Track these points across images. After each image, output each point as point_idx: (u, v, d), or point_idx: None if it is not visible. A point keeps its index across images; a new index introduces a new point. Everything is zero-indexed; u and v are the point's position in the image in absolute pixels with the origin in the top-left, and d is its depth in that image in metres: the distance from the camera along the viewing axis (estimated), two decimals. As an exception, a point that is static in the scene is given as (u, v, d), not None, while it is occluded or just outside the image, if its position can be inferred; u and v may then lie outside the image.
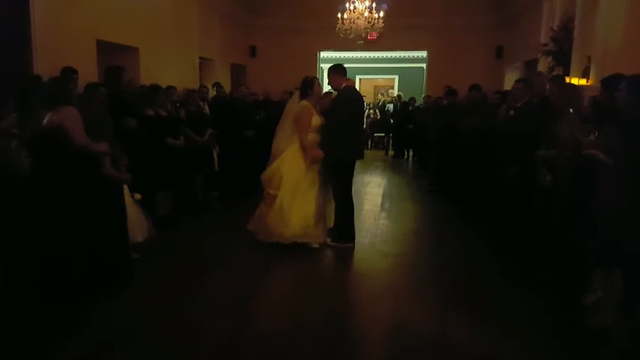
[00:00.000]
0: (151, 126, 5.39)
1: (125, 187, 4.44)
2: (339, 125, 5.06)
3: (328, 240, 5.21)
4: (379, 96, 16.67)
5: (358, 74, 17.50)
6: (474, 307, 3.84)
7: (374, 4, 10.29)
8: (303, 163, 5.12)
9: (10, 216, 3.09)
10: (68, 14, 5.88)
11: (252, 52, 13.25)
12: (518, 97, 5.33)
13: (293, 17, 12.57)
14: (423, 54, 13.90)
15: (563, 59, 6.96)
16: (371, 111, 15.35)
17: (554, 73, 6.88)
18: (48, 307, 3.27)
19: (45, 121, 3.61)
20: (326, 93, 6.80)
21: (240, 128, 7.43)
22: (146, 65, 7.57)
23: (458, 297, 4.03)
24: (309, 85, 5.20)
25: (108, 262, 3.86)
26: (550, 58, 7.23)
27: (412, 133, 12.09)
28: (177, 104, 6.58)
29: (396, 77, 18.16)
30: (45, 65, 5.32)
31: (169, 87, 6.52)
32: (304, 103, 5.14)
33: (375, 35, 11.57)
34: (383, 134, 15.08)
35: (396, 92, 15.98)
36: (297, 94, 5.33)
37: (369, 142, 15.33)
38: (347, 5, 10.28)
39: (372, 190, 8.64)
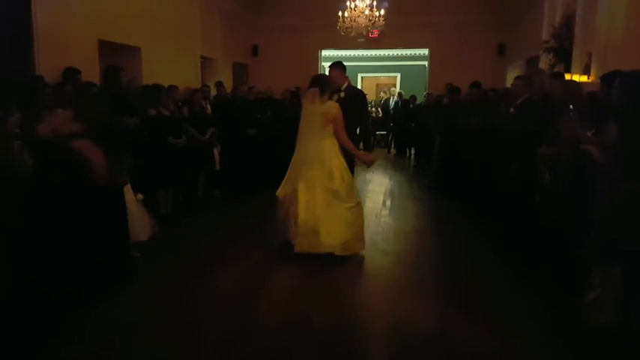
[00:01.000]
0: (153, 125, 5.42)
1: (128, 186, 4.47)
2: (358, 120, 5.13)
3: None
4: (381, 94, 16.66)
5: (360, 72, 17.50)
6: (474, 305, 3.85)
7: (374, 2, 10.30)
8: (345, 170, 4.87)
9: (11, 215, 3.11)
10: (70, 14, 5.92)
11: (254, 51, 13.28)
12: (518, 94, 5.34)
13: (295, 16, 12.59)
14: (425, 52, 13.89)
15: (564, 56, 6.95)
16: (373, 109, 15.33)
17: (555, 71, 6.89)
18: (49, 306, 3.30)
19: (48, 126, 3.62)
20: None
21: (242, 127, 7.46)
22: (148, 65, 7.60)
23: (459, 295, 4.04)
24: (329, 82, 4.96)
25: (109, 262, 3.89)
26: (551, 55, 7.23)
27: (414, 132, 12.10)
28: (180, 103, 6.61)
29: (398, 75, 18.15)
30: (47, 65, 5.36)
31: (171, 86, 6.55)
32: (336, 103, 4.86)
33: (376, 33, 11.58)
34: (385, 132, 15.08)
35: (397, 90, 15.97)
36: (314, 92, 4.84)
37: (371, 140, 15.30)
38: (348, 3, 10.30)
39: (374, 188, 8.65)
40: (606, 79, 3.60)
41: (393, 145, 14.21)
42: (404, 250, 5.31)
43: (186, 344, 3.23)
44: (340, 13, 10.34)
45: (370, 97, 16.58)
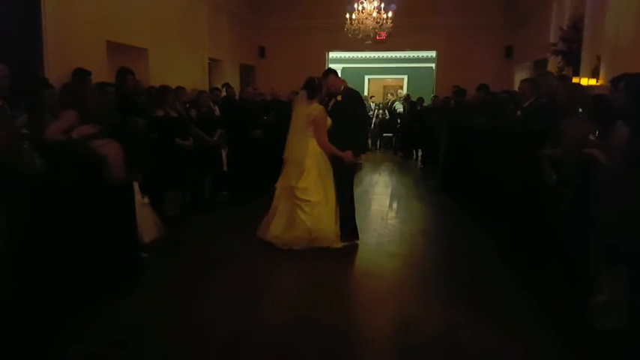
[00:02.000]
0: (160, 127, 5.44)
1: (136, 187, 4.50)
2: (355, 122, 5.24)
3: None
4: (389, 96, 16.66)
5: (367, 74, 17.52)
6: (481, 306, 3.84)
7: (382, 5, 10.30)
8: (329, 168, 5.13)
9: (20, 215, 3.14)
10: (79, 16, 5.95)
11: (262, 52, 13.31)
12: (525, 96, 5.32)
13: (302, 18, 12.60)
14: (432, 54, 13.88)
15: (572, 59, 6.92)
16: (380, 111, 15.33)
17: (563, 73, 6.86)
18: (58, 305, 3.32)
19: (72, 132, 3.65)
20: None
21: (248, 128, 7.48)
22: (155, 66, 7.63)
23: (465, 296, 4.03)
24: (319, 86, 5.16)
25: (118, 262, 3.91)
26: (559, 57, 7.20)
27: (420, 133, 12.06)
28: (187, 105, 6.63)
29: (405, 77, 18.14)
30: (56, 66, 5.40)
31: (179, 87, 6.57)
32: (319, 106, 5.11)
33: (383, 35, 11.57)
34: (391, 134, 15.07)
35: (404, 92, 15.95)
36: (302, 94, 5.19)
37: (378, 142, 15.32)
38: (355, 6, 10.30)
39: (380, 189, 8.65)
40: (616, 82, 3.57)
41: (399, 147, 14.18)
42: (410, 251, 5.31)
43: (193, 344, 3.24)
44: (348, 15, 10.35)
45: (377, 98, 16.59)
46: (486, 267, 4.74)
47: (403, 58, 16.46)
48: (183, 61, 8.77)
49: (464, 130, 7.12)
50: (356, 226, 5.35)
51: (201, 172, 6.63)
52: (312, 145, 5.11)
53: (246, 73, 12.43)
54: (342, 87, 5.38)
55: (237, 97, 8.27)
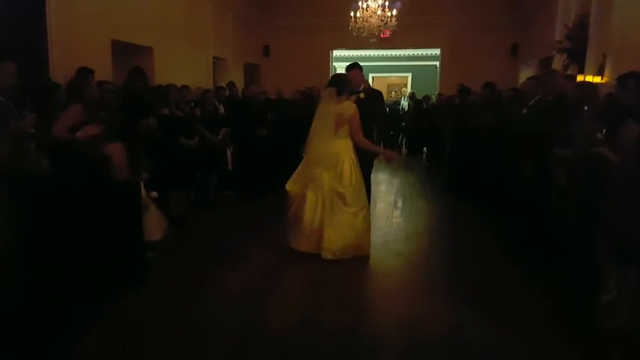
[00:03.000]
0: (165, 125, 5.44)
1: (142, 185, 4.50)
2: (379, 120, 5.27)
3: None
4: (393, 94, 16.64)
5: (371, 72, 17.46)
6: (487, 305, 3.83)
7: (387, 3, 10.27)
8: (359, 171, 4.87)
9: (26, 215, 3.15)
10: (83, 15, 5.96)
11: (266, 51, 13.31)
12: (530, 95, 5.30)
13: (306, 16, 12.58)
14: (437, 52, 13.83)
15: (577, 57, 6.89)
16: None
17: (569, 71, 6.83)
18: (64, 304, 3.33)
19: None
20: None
21: (252, 127, 7.48)
22: (160, 65, 7.65)
23: (470, 296, 4.03)
24: (347, 82, 4.94)
25: (123, 261, 3.92)
26: (565, 55, 7.16)
27: (426, 132, 12.03)
28: (192, 103, 6.63)
29: (409, 75, 18.11)
30: (61, 65, 5.41)
31: (184, 86, 6.58)
32: (353, 104, 4.81)
33: (388, 33, 11.53)
34: (393, 133, 15.02)
35: (409, 90, 15.92)
36: (330, 92, 4.85)
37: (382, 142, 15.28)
38: (360, 4, 10.27)
39: (385, 188, 8.63)
40: (623, 80, 3.55)
41: (404, 146, 14.15)
42: (415, 250, 5.30)
43: (198, 344, 3.24)
44: (352, 14, 10.32)
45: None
46: (493, 266, 4.73)
47: (407, 56, 16.41)
48: (188, 60, 8.79)
49: (470, 128, 7.09)
50: None
51: (206, 171, 6.63)
52: (346, 146, 4.82)
53: (251, 71, 12.43)
54: (363, 85, 5.26)
55: (240, 96, 8.27)
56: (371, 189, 5.37)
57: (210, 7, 9.64)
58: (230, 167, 7.17)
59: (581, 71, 6.60)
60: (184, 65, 8.50)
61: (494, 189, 6.14)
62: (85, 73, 5.23)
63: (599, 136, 3.31)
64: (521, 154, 4.93)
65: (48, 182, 3.32)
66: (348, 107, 4.77)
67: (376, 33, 10.66)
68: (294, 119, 8.01)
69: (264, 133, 7.59)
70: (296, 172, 5.05)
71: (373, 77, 17.88)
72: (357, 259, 4.83)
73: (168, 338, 3.32)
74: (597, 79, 5.90)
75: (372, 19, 10.22)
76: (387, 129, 5.17)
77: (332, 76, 5.07)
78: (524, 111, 5.33)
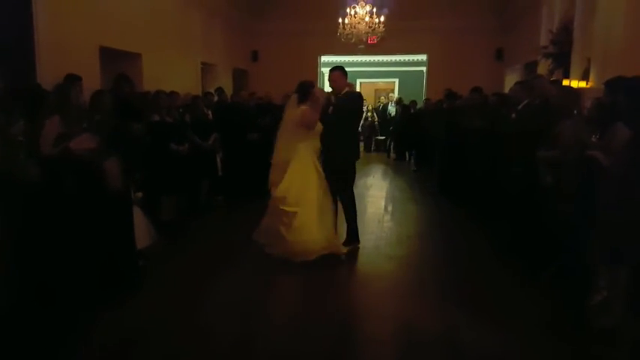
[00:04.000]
0: (155, 131, 5.42)
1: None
2: (349, 127, 5.15)
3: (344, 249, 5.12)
4: (381, 99, 16.74)
5: (359, 78, 17.55)
6: (480, 307, 3.86)
7: (374, 9, 10.33)
8: (315, 173, 4.96)
9: (16, 222, 3.12)
10: (71, 21, 5.92)
11: (254, 56, 13.32)
12: (518, 99, 5.37)
13: (295, 22, 12.61)
14: (423, 57, 13.94)
15: (562, 61, 6.99)
16: (369, 114, 15.36)
17: (554, 76, 6.92)
18: (59, 313, 3.30)
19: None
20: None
21: (242, 132, 7.47)
22: (149, 71, 7.61)
23: (463, 297, 4.06)
24: (308, 89, 5.03)
25: (117, 268, 3.89)
26: (550, 60, 7.26)
27: (414, 136, 12.10)
28: (181, 109, 6.61)
29: (396, 80, 18.23)
30: (48, 72, 5.36)
31: (172, 92, 6.56)
32: (304, 107, 4.97)
33: (375, 39, 11.61)
34: (383, 137, 15.12)
35: (396, 95, 16.02)
36: (294, 98, 5.10)
37: (372, 145, 15.38)
38: (348, 10, 10.33)
39: (375, 193, 8.66)
40: (611, 84, 3.62)
41: (392, 150, 14.23)
42: (407, 253, 5.33)
43: (195, 349, 3.23)
44: (340, 20, 10.38)
45: (369, 102, 16.63)
46: (484, 268, 4.77)
47: (394, 62, 16.52)
48: (177, 66, 8.76)
49: (459, 131, 7.15)
50: (357, 229, 5.33)
51: (197, 177, 6.61)
52: (305, 150, 4.98)
53: (239, 77, 12.43)
54: (345, 89, 5.20)
55: (228, 101, 8.25)
56: (353, 195, 5.30)
57: (199, 13, 9.63)
58: (220, 173, 7.15)
59: (566, 75, 6.69)
60: (173, 71, 8.47)
61: (484, 191, 6.18)
62: (72, 79, 5.20)
63: (594, 139, 3.37)
64: (512, 156, 4.98)
65: (38, 189, 3.28)
66: (299, 111, 4.96)
67: (364, 39, 10.72)
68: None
69: (255, 137, 7.58)
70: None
71: (360, 83, 17.97)
72: (352, 262, 4.86)
73: (165, 344, 3.30)
74: (582, 84, 5.99)
75: (360, 26, 10.29)
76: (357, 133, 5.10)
77: (298, 83, 5.12)
78: (513, 115, 5.38)
